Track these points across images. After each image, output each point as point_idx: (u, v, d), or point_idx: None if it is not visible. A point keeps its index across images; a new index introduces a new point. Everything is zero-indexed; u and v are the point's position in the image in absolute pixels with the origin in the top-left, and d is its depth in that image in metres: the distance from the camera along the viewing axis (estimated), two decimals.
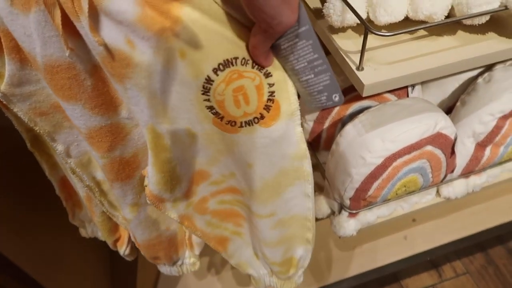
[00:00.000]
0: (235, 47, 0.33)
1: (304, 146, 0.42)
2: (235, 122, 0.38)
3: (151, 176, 0.42)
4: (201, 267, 0.89)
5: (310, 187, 0.46)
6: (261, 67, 0.35)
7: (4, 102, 0.38)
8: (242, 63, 0.34)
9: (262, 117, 0.37)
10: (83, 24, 0.30)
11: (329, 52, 0.52)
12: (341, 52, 0.47)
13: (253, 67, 0.35)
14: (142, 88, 0.34)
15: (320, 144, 0.73)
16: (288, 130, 0.40)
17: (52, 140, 0.43)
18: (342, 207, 0.66)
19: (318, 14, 0.52)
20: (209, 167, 0.45)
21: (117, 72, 0.33)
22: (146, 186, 0.45)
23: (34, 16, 0.31)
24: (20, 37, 0.33)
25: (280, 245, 0.52)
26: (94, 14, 0.30)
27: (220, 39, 0.32)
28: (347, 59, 0.46)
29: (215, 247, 0.56)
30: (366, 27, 0.41)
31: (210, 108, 0.36)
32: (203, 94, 0.35)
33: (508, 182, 0.80)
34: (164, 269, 0.63)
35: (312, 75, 0.36)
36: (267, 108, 0.37)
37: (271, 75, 0.36)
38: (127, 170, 0.45)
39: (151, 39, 0.31)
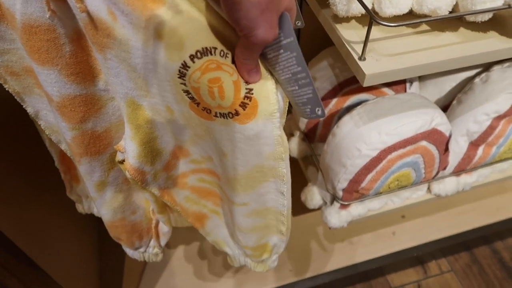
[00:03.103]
0: (215, 37, 0.32)
1: (281, 149, 0.40)
2: (210, 110, 0.36)
3: (131, 150, 0.41)
4: (188, 256, 0.90)
5: (285, 187, 0.45)
6: (242, 77, 0.34)
7: None
8: (221, 54, 0.33)
9: (237, 113, 0.36)
10: None
11: (332, 42, 0.53)
12: (344, 42, 0.48)
13: (232, 62, 0.34)
14: (122, 60, 0.34)
15: (315, 135, 0.73)
16: (265, 131, 0.38)
17: (21, 101, 0.42)
18: (334, 198, 0.67)
19: (322, 3, 0.52)
20: (189, 146, 0.45)
21: (98, 41, 0.33)
22: (119, 161, 0.44)
23: None
24: None
25: (254, 232, 0.52)
26: None
27: (200, 26, 0.32)
28: (349, 49, 0.47)
29: (193, 223, 0.56)
30: (371, 16, 0.41)
31: (187, 92, 0.35)
32: (179, 77, 0.34)
33: (497, 183, 0.81)
34: (127, 250, 0.62)
35: (296, 87, 0.36)
36: (243, 105, 0.35)
37: None
38: (97, 145, 0.43)
39: (130, 15, 0.30)
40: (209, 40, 0.32)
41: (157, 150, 0.44)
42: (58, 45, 0.34)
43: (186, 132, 0.42)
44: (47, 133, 0.46)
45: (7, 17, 0.34)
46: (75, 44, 0.35)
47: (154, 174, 0.46)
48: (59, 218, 0.68)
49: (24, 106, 0.43)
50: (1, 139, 0.54)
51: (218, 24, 0.32)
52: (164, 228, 0.60)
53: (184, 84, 0.35)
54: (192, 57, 0.32)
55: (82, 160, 0.44)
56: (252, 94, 0.35)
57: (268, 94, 0.36)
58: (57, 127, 0.45)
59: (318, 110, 0.37)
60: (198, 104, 0.36)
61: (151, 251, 0.62)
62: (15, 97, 0.42)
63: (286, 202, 0.47)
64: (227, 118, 0.36)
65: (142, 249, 0.62)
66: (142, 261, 0.86)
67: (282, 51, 0.33)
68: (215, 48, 0.32)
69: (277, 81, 0.37)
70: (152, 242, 0.62)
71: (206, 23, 0.31)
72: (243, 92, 0.35)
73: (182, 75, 0.34)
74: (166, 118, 0.40)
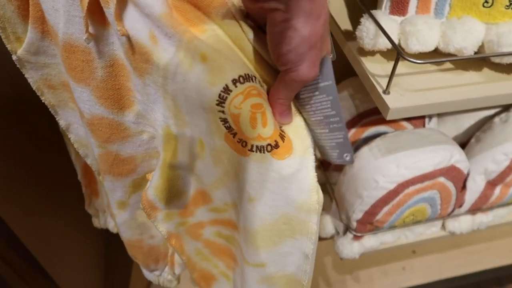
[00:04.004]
0: (253, 68, 0.33)
1: (315, 198, 0.36)
2: (246, 143, 0.33)
3: (154, 179, 0.40)
4: None
5: (312, 248, 0.39)
6: (274, 116, 0.34)
7: (18, 66, 0.38)
8: (261, 84, 0.33)
9: (276, 145, 0.33)
10: (111, 11, 0.30)
11: (352, 72, 0.54)
12: (369, 75, 0.48)
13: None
14: (159, 86, 0.34)
15: (331, 164, 0.73)
16: (301, 171, 0.34)
17: (55, 113, 0.43)
18: (347, 228, 0.66)
19: (348, 35, 0.54)
20: (213, 190, 0.42)
21: (138, 66, 0.33)
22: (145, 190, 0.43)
23: None
24: (48, 9, 0.33)
25: None
26: (123, 2, 0.30)
27: (239, 58, 0.32)
28: (374, 82, 0.47)
29: (197, 282, 0.52)
30: (398, 52, 0.42)
31: (224, 120, 0.33)
32: (217, 104, 0.32)
33: None
34: (144, 271, 0.62)
35: (327, 130, 0.35)
36: (282, 137, 0.33)
37: None
38: (120, 168, 0.43)
39: (174, 37, 0.31)
40: (249, 69, 0.32)
41: (176, 191, 0.42)
42: (91, 67, 0.35)
43: (213, 172, 0.39)
44: (76, 147, 0.46)
45: (51, 34, 0.36)
46: (108, 71, 0.35)
47: (166, 215, 0.44)
48: (72, 230, 0.69)
49: (57, 119, 0.44)
50: (28, 150, 0.55)
51: (255, 57, 0.32)
52: (179, 259, 0.59)
53: (223, 112, 0.33)
54: (234, 81, 0.31)
55: (106, 177, 0.44)
56: (283, 129, 0.34)
57: (298, 129, 0.35)
58: (86, 141, 0.45)
59: (346, 156, 0.37)
60: (234, 135, 0.34)
61: (165, 276, 0.62)
62: (50, 110, 0.43)
63: (309, 268, 0.41)
64: (264, 152, 0.33)
65: (157, 272, 0.61)
66: (146, 282, 0.85)
67: (317, 93, 0.33)
68: (255, 77, 0.33)
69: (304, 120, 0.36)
70: (167, 269, 0.61)
71: (243, 54, 0.32)
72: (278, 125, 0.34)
73: (221, 101, 0.32)
74: (195, 154, 0.39)
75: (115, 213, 0.49)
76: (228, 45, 0.32)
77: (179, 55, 0.31)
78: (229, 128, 0.34)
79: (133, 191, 0.46)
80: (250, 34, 0.31)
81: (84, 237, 0.76)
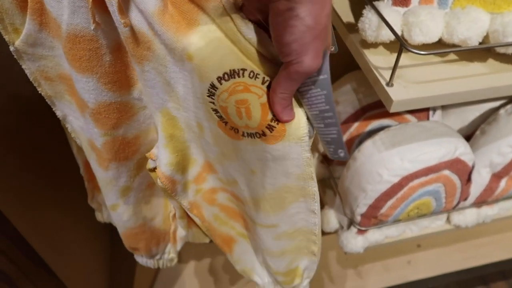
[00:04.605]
0: (245, 58, 0.33)
1: (310, 169, 0.40)
2: (237, 129, 0.37)
3: (164, 157, 0.42)
4: (198, 271, 0.89)
5: (316, 205, 0.44)
6: (277, 118, 0.35)
7: (15, 57, 0.39)
8: (251, 76, 0.33)
9: (264, 134, 0.36)
10: (112, 2, 0.30)
11: (354, 66, 0.53)
12: (372, 68, 0.48)
13: (263, 83, 0.33)
14: (159, 73, 0.35)
15: None
16: (293, 153, 0.38)
17: (52, 104, 0.44)
18: (351, 223, 0.66)
19: (351, 28, 0.53)
20: (215, 164, 0.45)
21: (138, 53, 0.34)
22: (150, 169, 0.45)
23: None
24: (50, 1, 0.33)
25: (284, 256, 0.51)
26: None
27: (230, 50, 0.32)
28: (377, 75, 0.47)
29: (221, 246, 0.55)
30: (401, 43, 0.41)
31: (215, 110, 0.36)
32: (208, 96, 0.35)
33: None
34: (141, 259, 0.63)
35: (323, 125, 0.36)
36: (270, 128, 0.35)
37: None
38: (126, 151, 0.45)
39: (163, 35, 0.32)
40: (238, 62, 0.32)
41: (189, 159, 0.44)
42: (99, 54, 0.35)
43: (214, 150, 0.42)
44: (72, 136, 0.47)
45: (51, 26, 0.36)
46: (115, 54, 0.36)
47: (184, 184, 0.46)
48: (76, 226, 0.69)
49: (54, 109, 0.45)
50: (29, 146, 0.56)
51: (250, 47, 0.32)
52: (181, 233, 0.61)
53: (213, 103, 0.35)
54: (219, 79, 0.33)
55: (110, 165, 0.45)
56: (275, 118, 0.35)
57: (299, 119, 0.36)
58: (81, 134, 0.46)
59: (340, 152, 0.37)
60: (226, 123, 0.37)
61: (166, 257, 0.63)
62: (47, 100, 0.43)
63: (317, 220, 0.46)
64: (254, 138, 0.37)
65: (158, 256, 0.62)
66: (151, 276, 0.86)
67: (313, 86, 0.33)
68: (244, 70, 0.33)
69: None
70: (168, 248, 0.63)
71: (236, 46, 0.32)
72: (270, 115, 0.35)
73: (211, 94, 0.35)
74: (197, 134, 0.41)
75: (117, 203, 0.50)
76: (219, 38, 0.32)
77: (171, 52, 0.33)
78: (220, 117, 0.37)
79: (136, 173, 0.48)
80: (244, 28, 0.31)
81: (88, 232, 0.76)
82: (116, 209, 0.51)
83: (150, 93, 0.38)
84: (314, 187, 0.42)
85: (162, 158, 0.42)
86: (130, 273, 0.87)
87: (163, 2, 0.30)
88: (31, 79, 0.41)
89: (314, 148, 0.76)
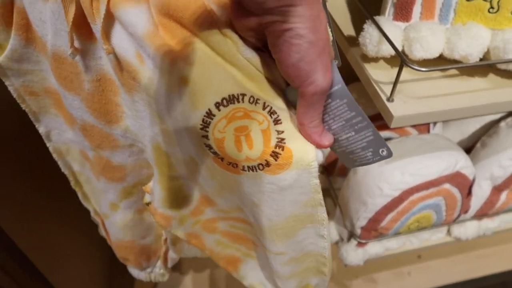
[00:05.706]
0: (243, 84, 0.30)
1: (319, 196, 0.37)
2: (236, 164, 0.33)
3: (157, 193, 0.40)
4: (198, 283, 0.88)
5: (325, 230, 0.41)
6: (316, 144, 0.33)
7: None
8: (251, 101, 0.31)
9: (268, 164, 0.33)
10: (98, 28, 0.29)
11: (359, 80, 0.53)
12: (372, 82, 0.48)
13: (264, 109, 0.31)
14: (147, 104, 0.33)
15: (335, 169, 0.73)
16: (301, 181, 0.34)
17: (35, 120, 0.43)
18: (351, 235, 0.66)
19: (351, 42, 0.53)
20: (215, 197, 0.42)
21: (126, 82, 0.32)
22: (146, 203, 0.43)
23: (50, 6, 0.31)
24: (36, 21, 0.33)
25: (293, 278, 0.48)
26: (110, 20, 0.29)
27: (228, 75, 0.30)
28: (378, 89, 0.47)
29: (225, 267, 0.52)
30: (402, 59, 0.41)
31: (209, 146, 0.33)
32: (201, 129, 0.32)
33: None
34: (133, 271, 0.62)
35: (353, 133, 0.34)
36: (275, 155, 0.32)
37: (281, 122, 0.32)
38: (111, 173, 0.43)
39: (156, 58, 0.29)
40: (237, 86, 0.30)
41: (184, 195, 0.42)
42: (79, 80, 0.34)
43: (211, 183, 0.40)
44: (54, 157, 0.46)
45: (38, 43, 0.35)
46: (95, 85, 0.35)
47: (180, 219, 0.44)
48: (75, 237, 0.68)
49: (36, 126, 0.43)
50: (26, 155, 0.55)
51: (250, 68, 0.30)
52: (172, 255, 0.60)
53: (207, 137, 0.32)
54: (217, 105, 0.30)
55: (100, 177, 0.45)
56: (285, 143, 0.32)
57: (306, 144, 0.33)
58: (66, 150, 0.46)
59: (382, 151, 0.34)
60: (222, 159, 0.34)
61: (157, 271, 0.62)
62: (30, 117, 0.42)
63: (327, 244, 0.43)
64: (256, 171, 0.33)
65: (149, 269, 0.62)
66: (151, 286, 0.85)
67: (330, 100, 0.32)
68: (244, 95, 0.31)
69: None
70: (159, 264, 0.62)
71: (236, 73, 0.30)
72: (273, 141, 0.32)
73: (205, 126, 0.32)
74: (190, 168, 0.39)
75: (107, 213, 0.49)
76: (215, 62, 0.30)
77: (163, 77, 0.30)
78: (215, 153, 0.33)
79: (124, 197, 0.47)
80: (243, 47, 0.29)
81: (86, 243, 0.76)
82: (107, 217, 0.50)
83: (142, 125, 0.36)
84: (323, 213, 0.39)
85: (155, 193, 0.41)
86: (129, 286, 0.87)
87: (153, 25, 0.28)
88: (14, 96, 0.40)
89: None
